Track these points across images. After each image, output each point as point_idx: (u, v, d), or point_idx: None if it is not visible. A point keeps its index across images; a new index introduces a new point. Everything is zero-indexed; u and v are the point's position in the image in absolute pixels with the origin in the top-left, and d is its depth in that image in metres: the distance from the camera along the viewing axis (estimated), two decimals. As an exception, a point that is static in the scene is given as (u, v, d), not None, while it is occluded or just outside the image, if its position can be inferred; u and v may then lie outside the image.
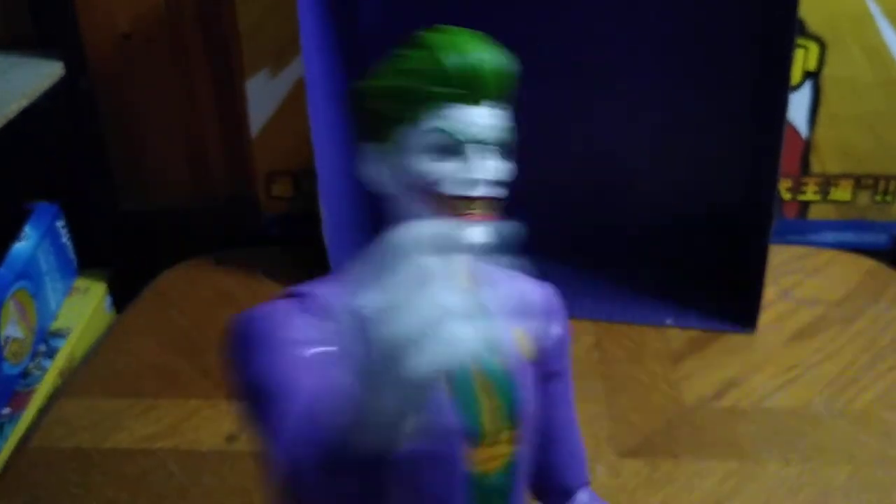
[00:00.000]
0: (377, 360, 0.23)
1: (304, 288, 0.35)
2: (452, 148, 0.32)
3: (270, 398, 0.31)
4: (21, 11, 0.94)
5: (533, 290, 0.38)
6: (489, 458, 0.34)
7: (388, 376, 0.23)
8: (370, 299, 0.24)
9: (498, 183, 0.34)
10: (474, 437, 0.33)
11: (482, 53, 0.33)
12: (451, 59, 0.33)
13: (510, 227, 0.33)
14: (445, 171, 0.32)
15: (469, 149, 0.33)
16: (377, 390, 0.24)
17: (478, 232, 0.32)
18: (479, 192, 0.33)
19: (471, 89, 0.32)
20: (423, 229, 0.24)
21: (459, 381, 0.33)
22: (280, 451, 0.30)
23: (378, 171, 0.34)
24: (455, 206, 0.33)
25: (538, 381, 0.38)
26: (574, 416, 0.41)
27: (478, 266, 0.37)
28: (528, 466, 0.37)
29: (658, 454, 0.70)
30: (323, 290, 0.35)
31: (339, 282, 0.36)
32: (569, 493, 0.41)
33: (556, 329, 0.38)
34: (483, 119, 0.33)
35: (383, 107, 0.34)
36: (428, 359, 0.22)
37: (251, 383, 0.32)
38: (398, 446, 0.26)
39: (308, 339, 0.32)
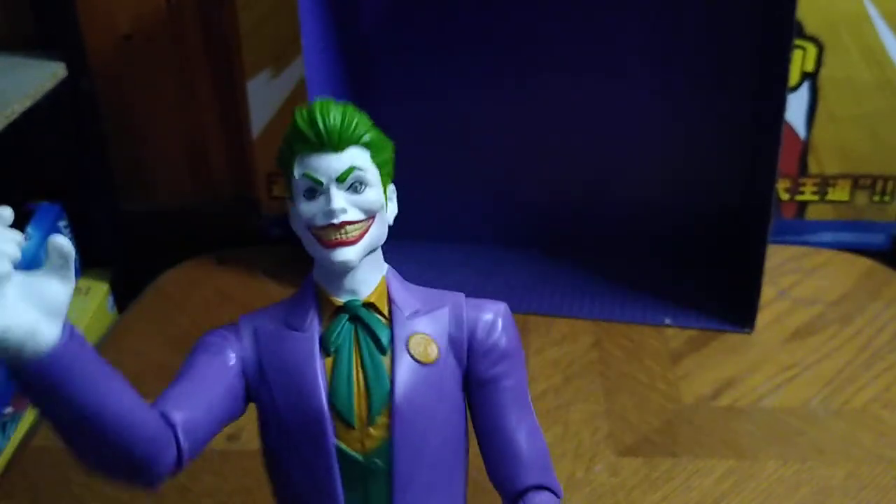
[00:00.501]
0: None
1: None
2: (315, 188, 0.41)
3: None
4: (23, 12, 0.94)
5: (447, 302, 0.44)
6: (362, 440, 0.41)
7: None
8: None
9: (363, 209, 0.41)
10: (346, 419, 0.41)
11: (327, 113, 0.41)
12: (301, 121, 0.41)
13: (374, 244, 0.42)
14: (313, 208, 0.41)
15: (328, 187, 0.41)
16: None
17: (342, 253, 0.41)
18: (339, 219, 0.41)
19: (320, 141, 0.41)
20: None
21: (337, 371, 0.41)
22: None
23: (292, 221, 0.44)
24: (326, 234, 0.41)
25: (463, 385, 0.44)
26: (517, 423, 0.44)
27: (396, 280, 0.44)
28: (430, 455, 0.42)
29: (657, 453, 0.70)
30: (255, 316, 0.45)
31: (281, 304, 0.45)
32: (507, 496, 0.44)
33: (484, 340, 0.44)
34: (334, 163, 0.41)
35: (282, 170, 0.43)
36: None
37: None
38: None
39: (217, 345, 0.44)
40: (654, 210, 0.96)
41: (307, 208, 0.41)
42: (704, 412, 0.75)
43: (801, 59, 0.92)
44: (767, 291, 0.86)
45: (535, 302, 0.88)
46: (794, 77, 0.93)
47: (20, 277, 0.36)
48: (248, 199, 1.05)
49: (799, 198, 0.99)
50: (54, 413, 0.36)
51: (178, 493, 0.68)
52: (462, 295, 0.45)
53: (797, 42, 0.91)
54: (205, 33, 0.99)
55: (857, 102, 0.94)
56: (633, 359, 0.81)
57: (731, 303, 0.87)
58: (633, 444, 0.71)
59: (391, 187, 0.44)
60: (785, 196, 0.99)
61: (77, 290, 0.98)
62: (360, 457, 0.42)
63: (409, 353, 0.42)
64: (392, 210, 0.45)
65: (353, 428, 0.41)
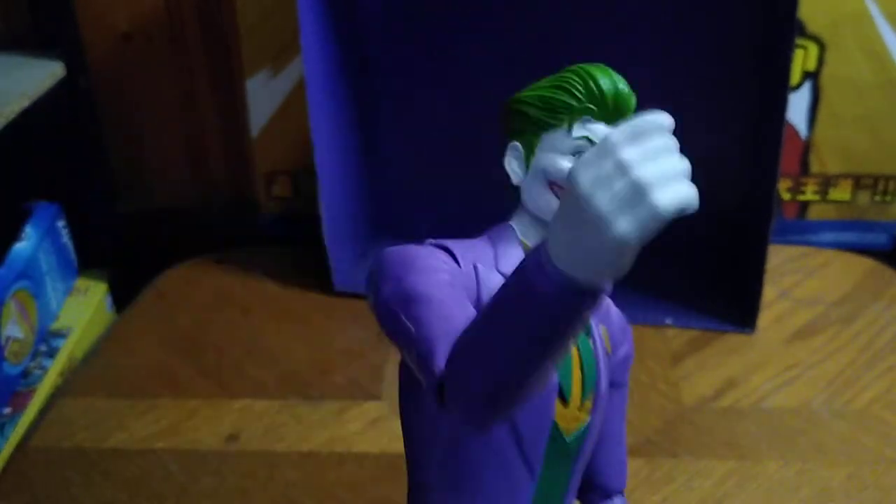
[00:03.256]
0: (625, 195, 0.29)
1: (441, 241, 0.42)
2: (584, 151, 0.39)
3: (430, 301, 0.36)
4: (21, 11, 0.94)
5: (613, 306, 0.45)
6: (571, 419, 0.40)
7: (630, 214, 0.29)
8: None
9: None
10: (564, 396, 0.40)
11: (624, 85, 0.41)
12: (605, 85, 0.41)
13: None
14: None
15: None
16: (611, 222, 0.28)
17: None
18: None
19: (614, 111, 0.41)
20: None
21: None
22: (441, 354, 0.34)
23: (514, 164, 0.42)
24: None
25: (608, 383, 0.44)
26: (624, 427, 0.46)
27: None
28: (593, 443, 0.43)
29: (658, 454, 0.70)
30: (458, 246, 0.42)
31: (473, 243, 0.42)
32: (607, 494, 0.46)
33: (625, 346, 0.45)
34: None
35: (538, 113, 0.42)
36: (671, 196, 0.29)
37: (408, 291, 0.37)
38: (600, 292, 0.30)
39: (452, 273, 0.39)
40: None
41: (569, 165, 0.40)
42: (705, 413, 0.75)
43: (802, 59, 0.92)
44: (769, 291, 0.86)
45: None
46: (795, 76, 0.93)
47: None
48: (247, 199, 1.05)
49: (800, 197, 0.99)
50: (571, 330, 0.31)
51: (176, 494, 0.68)
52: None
53: (799, 41, 0.91)
54: (204, 32, 0.99)
55: (859, 102, 0.93)
56: (634, 359, 0.81)
57: (733, 303, 0.87)
58: (633, 445, 0.71)
59: None
60: (786, 196, 0.99)
61: (75, 290, 0.98)
62: (565, 436, 0.40)
63: (603, 342, 0.42)
64: None
65: (567, 406, 0.40)
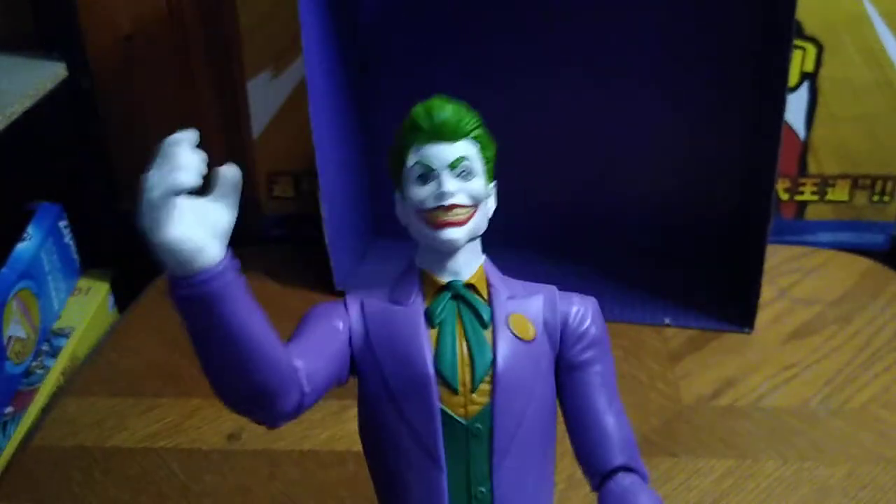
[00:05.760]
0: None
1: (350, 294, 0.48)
2: (427, 174, 0.45)
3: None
4: (23, 12, 0.94)
5: (541, 291, 0.48)
6: (465, 405, 0.44)
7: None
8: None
9: (470, 195, 0.45)
10: (450, 384, 0.44)
11: (442, 108, 0.45)
12: (419, 115, 0.45)
13: (476, 231, 0.46)
14: (425, 192, 0.45)
15: (439, 173, 0.45)
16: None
17: (449, 233, 0.44)
18: (448, 202, 0.44)
19: (435, 132, 0.45)
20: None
21: (442, 340, 0.44)
22: None
23: (398, 209, 0.47)
24: (436, 216, 0.44)
25: (554, 367, 0.47)
26: (607, 405, 0.46)
27: (493, 269, 0.48)
28: (527, 424, 0.45)
29: (656, 453, 0.70)
30: (361, 293, 0.48)
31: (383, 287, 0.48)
32: (595, 475, 0.46)
33: (575, 327, 0.47)
34: (446, 151, 0.45)
35: (392, 159, 0.47)
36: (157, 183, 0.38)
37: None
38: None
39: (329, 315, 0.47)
40: (654, 210, 0.96)
41: (420, 192, 0.45)
42: (704, 412, 0.75)
43: (800, 60, 0.92)
44: (767, 291, 0.86)
45: (535, 302, 0.88)
46: (793, 77, 0.93)
47: (193, 201, 0.40)
48: (248, 199, 1.05)
49: (798, 198, 0.99)
50: (203, 333, 0.40)
51: (178, 493, 0.68)
52: (555, 287, 0.48)
53: (797, 42, 0.91)
54: (205, 33, 0.99)
55: (857, 102, 0.94)
56: (633, 359, 0.81)
57: (731, 303, 0.87)
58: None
59: (493, 183, 0.48)
60: (784, 196, 0.99)
61: (77, 290, 0.98)
62: (462, 420, 0.44)
63: (510, 329, 0.45)
64: (493, 204, 0.48)
65: (457, 393, 0.44)
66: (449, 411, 0.44)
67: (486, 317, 0.45)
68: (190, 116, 1.03)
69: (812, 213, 1.00)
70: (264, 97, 0.99)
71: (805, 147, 0.97)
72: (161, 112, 1.03)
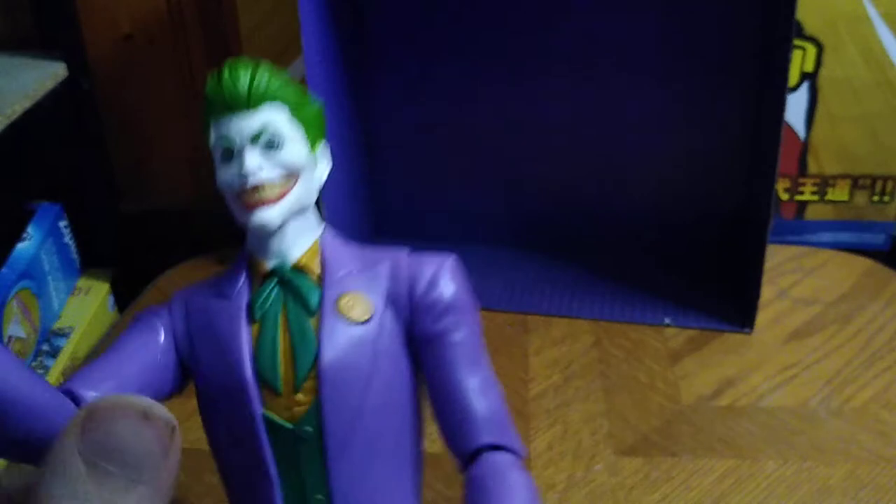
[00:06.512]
0: None
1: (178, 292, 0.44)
2: (230, 150, 0.40)
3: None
4: (23, 12, 0.94)
5: (386, 259, 0.42)
6: (289, 406, 0.39)
7: None
8: None
9: (281, 167, 0.40)
10: (272, 386, 0.39)
11: (235, 74, 0.40)
12: (211, 85, 0.40)
13: (300, 205, 0.41)
14: (230, 172, 0.40)
15: (242, 148, 0.40)
16: None
17: (259, 215, 0.40)
18: (251, 183, 0.39)
19: (229, 102, 0.40)
20: None
21: (262, 338, 0.40)
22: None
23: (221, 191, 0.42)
24: (245, 197, 0.40)
25: (407, 345, 0.41)
26: (467, 378, 0.41)
27: (335, 241, 0.43)
28: (367, 419, 0.40)
29: (656, 453, 0.70)
30: (189, 288, 0.44)
31: (216, 276, 0.43)
32: (460, 457, 0.40)
33: (424, 293, 0.41)
34: (246, 122, 0.40)
35: (204, 138, 0.42)
36: None
37: None
38: None
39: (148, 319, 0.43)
40: (654, 210, 0.96)
41: (225, 173, 0.41)
42: (704, 412, 0.75)
43: (800, 60, 0.92)
44: (767, 291, 0.86)
45: (535, 302, 0.88)
46: (793, 77, 0.93)
47: None
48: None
49: (798, 198, 0.99)
50: None
51: (179, 492, 0.68)
52: (405, 250, 0.43)
53: (796, 42, 0.91)
54: (205, 33, 0.99)
55: (857, 103, 0.94)
56: (633, 359, 0.81)
57: (731, 303, 0.87)
58: (632, 444, 0.71)
59: (322, 144, 0.43)
60: (784, 196, 0.99)
61: (78, 290, 0.98)
62: (288, 424, 0.39)
63: (339, 313, 0.40)
64: (324, 168, 0.43)
65: (280, 395, 0.39)
66: (272, 416, 0.39)
67: (312, 302, 0.40)
68: (189, 116, 1.03)
69: (812, 213, 1.00)
70: (264, 97, 0.99)
71: (805, 147, 0.97)
72: (161, 112, 1.03)
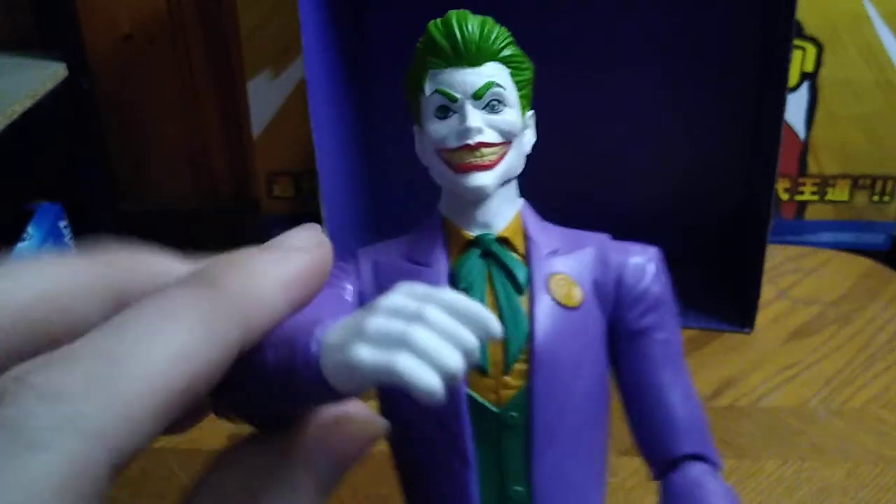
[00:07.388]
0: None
1: (362, 249, 0.40)
2: (448, 106, 0.37)
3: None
4: (23, 12, 0.94)
5: (591, 243, 0.40)
6: (494, 389, 0.36)
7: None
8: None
9: (500, 130, 0.38)
10: (479, 365, 0.36)
11: (465, 23, 0.38)
12: (436, 32, 0.38)
13: (510, 173, 0.39)
14: (446, 128, 0.37)
15: (463, 103, 0.37)
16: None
17: (476, 178, 0.37)
18: (474, 140, 0.37)
19: (456, 53, 0.37)
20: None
21: None
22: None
23: (417, 146, 0.40)
24: (459, 157, 0.37)
25: (607, 337, 0.39)
26: (672, 381, 0.39)
27: (534, 217, 0.40)
28: (573, 409, 0.37)
29: (656, 453, 0.70)
30: (373, 248, 0.40)
31: (399, 239, 0.41)
32: (657, 463, 0.39)
33: (632, 286, 0.39)
34: (470, 77, 0.37)
35: (408, 89, 0.40)
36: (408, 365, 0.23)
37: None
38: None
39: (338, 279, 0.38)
40: (654, 209, 0.96)
41: (438, 128, 0.38)
42: (704, 412, 0.75)
43: (800, 60, 0.92)
44: (767, 291, 0.86)
45: (535, 302, 0.88)
46: (793, 77, 0.93)
47: None
48: (248, 200, 1.05)
49: (798, 198, 0.99)
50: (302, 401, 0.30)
51: (178, 493, 0.68)
52: (608, 236, 0.41)
53: (797, 42, 0.91)
54: (205, 34, 0.99)
55: (857, 103, 0.94)
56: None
57: (731, 303, 0.87)
58: (633, 444, 0.71)
59: (530, 113, 0.41)
60: (784, 196, 0.99)
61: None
62: (494, 408, 0.36)
63: (550, 295, 0.37)
64: (531, 138, 0.41)
65: (487, 375, 0.36)
66: (478, 397, 0.36)
67: (521, 279, 0.37)
68: (189, 116, 1.03)
69: (812, 213, 1.00)
70: (264, 97, 0.99)
71: (805, 147, 0.97)
72: (161, 112, 1.03)
